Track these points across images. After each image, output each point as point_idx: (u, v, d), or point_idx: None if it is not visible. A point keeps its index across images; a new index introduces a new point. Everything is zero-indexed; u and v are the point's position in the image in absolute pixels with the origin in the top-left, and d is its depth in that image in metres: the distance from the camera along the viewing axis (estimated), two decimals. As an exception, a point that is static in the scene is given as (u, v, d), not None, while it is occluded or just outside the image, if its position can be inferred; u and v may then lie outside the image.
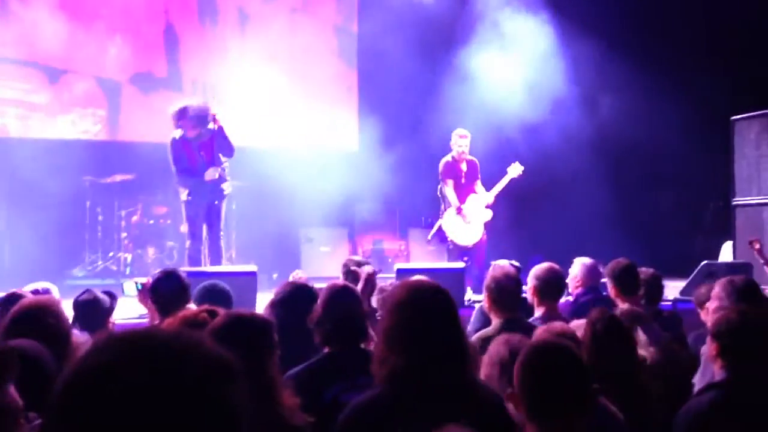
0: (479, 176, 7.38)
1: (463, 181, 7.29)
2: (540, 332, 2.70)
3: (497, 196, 7.26)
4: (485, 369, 2.44)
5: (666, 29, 9.19)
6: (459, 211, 7.21)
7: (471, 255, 7.19)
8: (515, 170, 7.30)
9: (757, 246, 5.65)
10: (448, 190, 7.24)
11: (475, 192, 7.32)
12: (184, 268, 5.84)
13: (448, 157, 7.33)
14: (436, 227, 7.43)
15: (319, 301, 2.85)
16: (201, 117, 6.34)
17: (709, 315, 3.36)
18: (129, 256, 8.27)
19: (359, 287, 3.62)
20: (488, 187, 7.32)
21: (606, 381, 2.33)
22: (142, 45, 9.01)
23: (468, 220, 7.21)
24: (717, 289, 3.35)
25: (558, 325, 2.84)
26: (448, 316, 2.10)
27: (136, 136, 8.86)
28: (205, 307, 2.51)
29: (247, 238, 8.48)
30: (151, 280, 3.90)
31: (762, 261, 5.52)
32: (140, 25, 8.97)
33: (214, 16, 9.28)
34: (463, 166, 7.30)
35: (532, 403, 1.95)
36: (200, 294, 3.89)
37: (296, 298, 3.18)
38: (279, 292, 3.29)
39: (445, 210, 7.28)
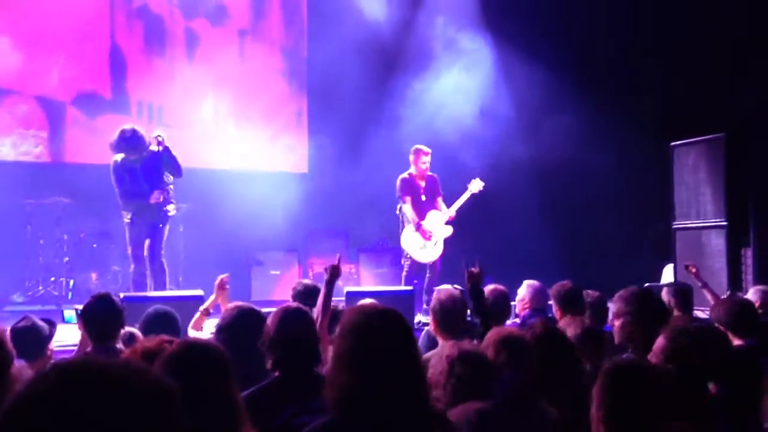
0: (441, 192, 7.36)
1: (423, 197, 7.26)
2: (489, 336, 2.72)
3: (459, 212, 7.25)
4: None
5: (608, 54, 9.46)
6: (418, 227, 7.17)
7: (430, 271, 7.17)
8: (476, 186, 7.31)
9: (693, 270, 5.85)
10: (407, 207, 7.20)
11: (436, 208, 7.28)
12: (128, 293, 5.74)
13: (405, 174, 7.30)
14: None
15: (270, 324, 2.81)
16: (135, 140, 6.31)
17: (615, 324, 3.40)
18: (71, 281, 8.05)
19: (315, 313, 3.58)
20: (448, 204, 7.32)
21: (549, 386, 2.40)
22: (87, 66, 8.86)
23: (428, 236, 7.18)
24: (619, 302, 3.40)
25: (506, 327, 2.90)
26: (402, 340, 2.09)
27: (80, 159, 8.69)
28: (165, 338, 2.46)
29: (195, 261, 8.35)
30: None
31: (700, 284, 5.70)
32: (85, 46, 8.83)
33: (161, 37, 9.20)
34: (422, 183, 7.28)
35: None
36: (147, 320, 3.81)
37: (243, 323, 3.14)
38: (225, 317, 3.25)
39: (404, 227, 7.25)
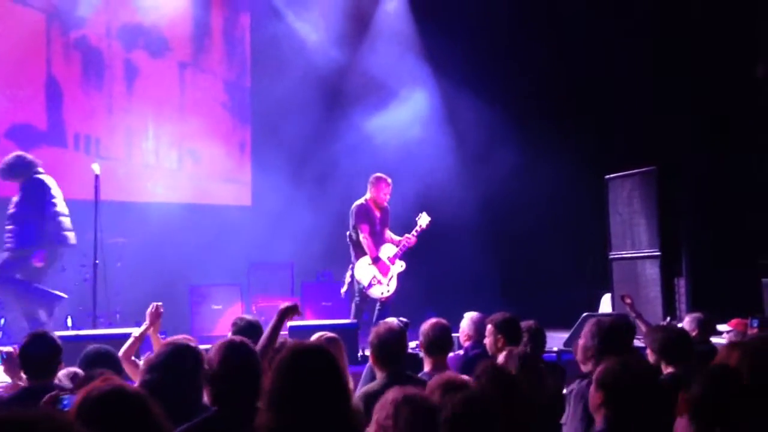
0: (389, 224, 7.17)
1: (377, 228, 7.02)
2: (432, 382, 2.74)
3: (405, 248, 7.05)
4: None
5: (548, 90, 9.72)
6: (377, 261, 6.91)
7: (381, 305, 6.94)
8: (424, 220, 7.12)
9: (628, 301, 6.04)
10: (365, 237, 6.88)
11: (388, 241, 7.08)
12: (62, 332, 5.57)
13: (362, 201, 7.02)
14: (348, 278, 7.08)
15: (214, 357, 2.76)
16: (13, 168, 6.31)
17: (578, 350, 3.51)
18: (1, 320, 7.74)
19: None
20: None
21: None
22: (22, 97, 8.64)
23: (386, 271, 6.93)
24: (585, 328, 3.50)
25: (449, 373, 2.90)
26: (328, 379, 2.09)
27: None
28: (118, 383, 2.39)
29: (133, 297, 8.15)
30: (17, 348, 3.71)
31: (634, 315, 5.88)
32: (20, 77, 8.62)
33: (99, 69, 9.06)
34: (378, 213, 7.04)
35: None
36: (87, 359, 3.71)
37: (177, 361, 3.08)
38: (159, 353, 3.18)
39: (357, 258, 6.95)
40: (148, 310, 4.22)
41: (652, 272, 8.38)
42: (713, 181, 8.44)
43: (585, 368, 3.42)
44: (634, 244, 8.62)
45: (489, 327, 4.36)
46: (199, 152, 9.48)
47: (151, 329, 4.15)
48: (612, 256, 8.90)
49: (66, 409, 2.14)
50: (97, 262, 6.75)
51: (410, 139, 9.39)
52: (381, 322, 4.29)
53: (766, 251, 8.04)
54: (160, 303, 4.26)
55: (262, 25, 9.74)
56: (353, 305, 7.08)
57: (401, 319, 4.99)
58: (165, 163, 9.37)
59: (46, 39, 8.81)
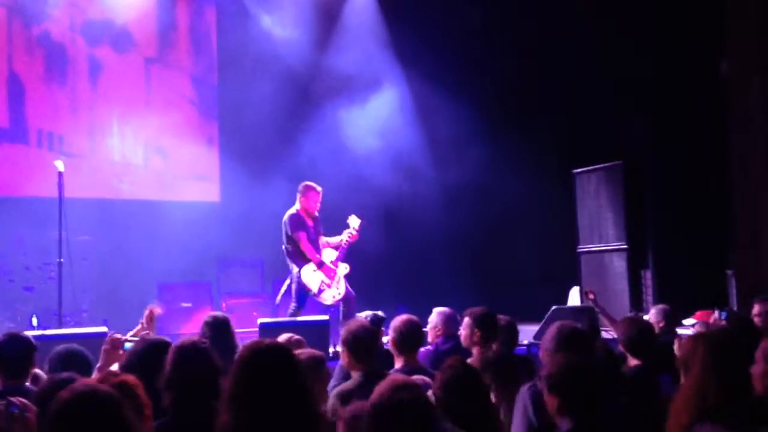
0: (321, 231, 7.11)
1: (312, 236, 6.97)
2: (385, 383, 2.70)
3: (345, 250, 6.99)
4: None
5: (515, 85, 9.76)
6: (321, 265, 6.87)
7: (344, 305, 6.87)
8: (354, 222, 7.02)
9: (591, 296, 6.17)
10: (304, 244, 6.86)
11: (322, 247, 7.03)
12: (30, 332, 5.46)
13: (293, 211, 6.96)
14: (284, 289, 7.03)
15: (168, 362, 2.70)
16: None
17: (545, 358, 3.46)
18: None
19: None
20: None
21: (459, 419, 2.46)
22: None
23: (333, 275, 6.88)
24: (547, 335, 3.41)
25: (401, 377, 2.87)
26: (288, 378, 2.06)
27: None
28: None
29: (99, 295, 8.04)
30: None
31: (598, 310, 5.98)
32: (-20, 72, 8.44)
33: (63, 64, 8.89)
34: (310, 222, 6.99)
35: None
36: (57, 359, 3.64)
37: (148, 357, 3.03)
38: (132, 351, 3.14)
39: (300, 267, 6.86)
40: (146, 314, 4.14)
41: (619, 265, 8.50)
42: (679, 175, 8.57)
43: None
44: (602, 238, 8.73)
45: (466, 320, 4.35)
46: (166, 149, 9.35)
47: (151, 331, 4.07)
48: (580, 250, 9.00)
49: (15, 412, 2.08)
50: (61, 260, 6.64)
51: (380, 134, 9.37)
52: (352, 319, 4.28)
53: (732, 244, 8.20)
54: (156, 306, 4.15)
55: (228, 20, 9.64)
56: (289, 312, 6.87)
57: (377, 313, 4.97)
58: (131, 160, 9.23)
59: (8, 34, 8.62)
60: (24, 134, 8.62)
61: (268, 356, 2.09)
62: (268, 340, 2.36)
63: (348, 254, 7.09)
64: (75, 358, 3.56)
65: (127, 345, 3.76)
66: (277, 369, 2.06)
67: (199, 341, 2.90)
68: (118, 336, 3.80)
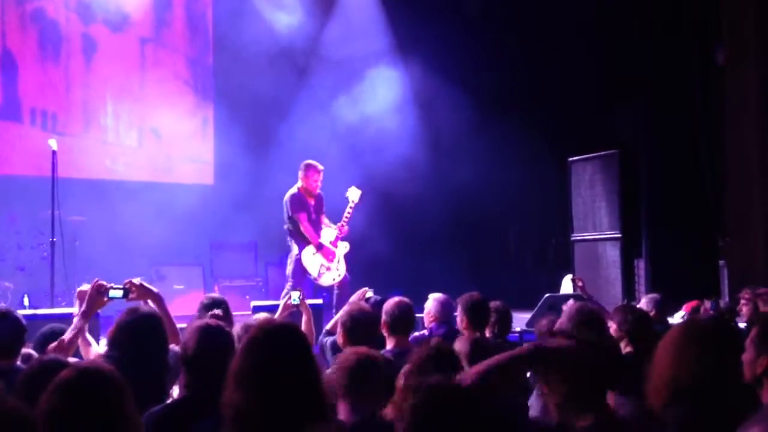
0: (324, 210, 7.10)
1: (313, 216, 6.96)
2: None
3: (350, 225, 7.01)
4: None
5: (512, 76, 9.74)
6: (320, 248, 6.85)
7: (338, 288, 6.85)
8: (354, 194, 7.02)
9: (580, 284, 6.23)
10: (305, 225, 6.84)
11: (324, 226, 7.02)
12: (19, 311, 5.44)
13: (294, 190, 6.92)
14: (292, 264, 6.91)
15: (190, 343, 2.68)
16: None
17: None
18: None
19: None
20: (335, 220, 7.13)
21: None
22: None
23: (332, 257, 6.87)
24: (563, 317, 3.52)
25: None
26: (296, 356, 2.07)
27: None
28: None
29: (92, 275, 7.99)
30: None
31: (585, 297, 6.03)
32: (-27, 49, 8.35)
33: (57, 43, 8.80)
34: (311, 200, 6.97)
35: None
36: (43, 339, 3.62)
37: (140, 330, 3.02)
38: (122, 319, 3.11)
39: (301, 249, 6.86)
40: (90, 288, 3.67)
41: (612, 254, 8.51)
42: (674, 165, 8.57)
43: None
44: (596, 227, 8.74)
45: (459, 306, 4.40)
46: (161, 130, 9.30)
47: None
48: (574, 238, 9.01)
49: None
50: (54, 240, 6.60)
51: (376, 120, 9.33)
52: (352, 302, 4.28)
53: (725, 234, 8.22)
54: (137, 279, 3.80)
55: (224, 1, 9.56)
56: (284, 294, 6.78)
57: (376, 297, 4.98)
58: (125, 140, 9.17)
59: (1, 11, 8.53)
60: (17, 112, 8.55)
61: (282, 334, 2.09)
62: (278, 320, 2.37)
63: (344, 237, 7.07)
64: (57, 338, 3.54)
65: (112, 293, 3.66)
66: (291, 347, 2.06)
67: (222, 323, 2.88)
68: (103, 282, 3.68)
